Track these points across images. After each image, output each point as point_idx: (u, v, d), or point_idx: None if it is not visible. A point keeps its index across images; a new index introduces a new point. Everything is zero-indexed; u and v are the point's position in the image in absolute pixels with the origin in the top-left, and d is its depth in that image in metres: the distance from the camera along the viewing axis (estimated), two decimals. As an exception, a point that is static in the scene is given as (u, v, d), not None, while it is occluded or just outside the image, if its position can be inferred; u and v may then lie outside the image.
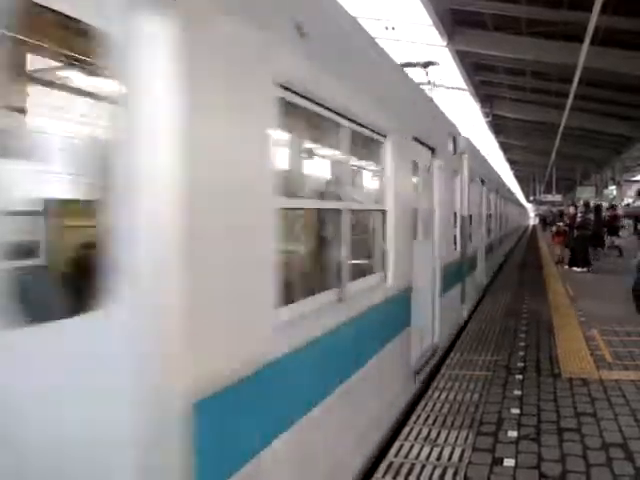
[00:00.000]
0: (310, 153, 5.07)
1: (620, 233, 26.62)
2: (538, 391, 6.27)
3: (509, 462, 4.53)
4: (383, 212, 5.18)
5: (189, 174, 2.15)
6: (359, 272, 4.67)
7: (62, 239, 2.87)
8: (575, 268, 18.28)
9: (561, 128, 25.58)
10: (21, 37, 2.12)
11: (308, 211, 4.40)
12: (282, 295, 2.94)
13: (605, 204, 29.95)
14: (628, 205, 38.03)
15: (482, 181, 13.40)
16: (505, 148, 49.60)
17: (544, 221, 54.92)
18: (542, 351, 8.01)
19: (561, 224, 22.25)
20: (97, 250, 2.07)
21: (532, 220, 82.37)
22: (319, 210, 4.46)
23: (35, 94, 2.26)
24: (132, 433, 2.06)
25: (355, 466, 4.23)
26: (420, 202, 6.91)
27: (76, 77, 2.73)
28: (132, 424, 2.06)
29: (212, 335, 2.33)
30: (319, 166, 5.17)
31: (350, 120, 4.19)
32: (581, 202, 24.43)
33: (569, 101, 20.00)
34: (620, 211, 31.64)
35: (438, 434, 5.11)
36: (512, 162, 59.74)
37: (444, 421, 5.42)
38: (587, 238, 18.94)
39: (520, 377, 6.79)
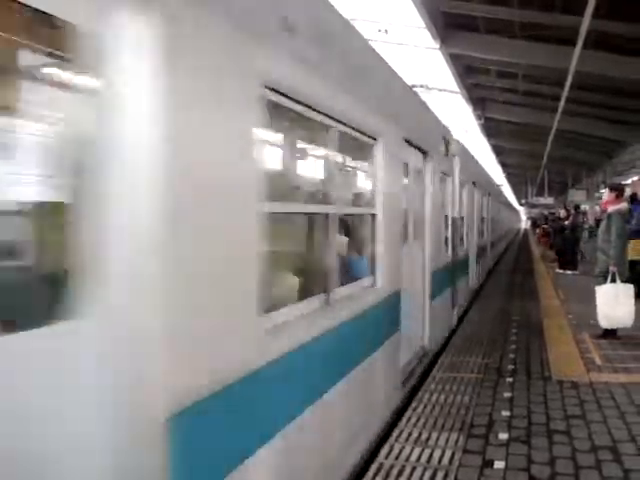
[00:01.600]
0: None
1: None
2: (528, 394, 6.29)
3: (499, 464, 4.54)
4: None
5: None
6: None
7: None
8: (565, 270, 18.40)
9: (553, 131, 25.66)
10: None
11: None
12: None
13: (597, 207, 30.07)
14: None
15: (421, 152, 7.56)
16: (497, 151, 49.69)
17: (535, 224, 55.30)
18: (532, 354, 8.03)
19: (546, 226, 22.80)
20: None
21: (524, 223, 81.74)
22: None
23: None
24: None
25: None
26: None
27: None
28: None
29: None
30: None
31: None
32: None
33: (561, 104, 20.08)
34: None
35: (429, 436, 5.12)
36: (504, 165, 59.86)
37: (434, 423, 5.43)
38: (576, 240, 19.10)
39: (510, 380, 6.82)
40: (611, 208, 8.87)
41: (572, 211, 21.38)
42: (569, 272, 18.08)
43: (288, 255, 4.28)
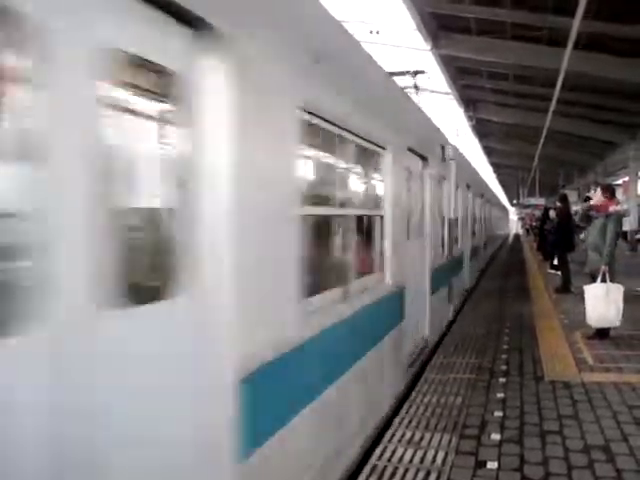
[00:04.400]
0: None
1: None
2: (521, 394, 6.29)
3: (492, 465, 4.54)
4: None
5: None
6: None
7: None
8: (556, 271, 18.37)
9: (544, 132, 25.76)
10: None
11: None
12: None
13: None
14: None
15: None
16: (489, 152, 49.86)
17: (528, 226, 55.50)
18: (525, 354, 8.05)
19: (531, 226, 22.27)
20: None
21: (516, 225, 73.06)
22: None
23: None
24: None
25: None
26: None
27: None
28: None
29: None
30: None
31: None
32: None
33: (552, 105, 20.15)
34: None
35: (421, 437, 5.12)
36: (496, 166, 60.05)
37: (427, 424, 5.43)
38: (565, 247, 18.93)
39: (503, 380, 6.82)
40: (612, 208, 8.89)
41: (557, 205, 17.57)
42: (559, 272, 17.99)
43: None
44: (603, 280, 8.51)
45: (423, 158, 8.12)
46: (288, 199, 3.39)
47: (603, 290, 8.44)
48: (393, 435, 5.17)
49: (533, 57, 19.55)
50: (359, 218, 5.34)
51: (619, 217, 9.03)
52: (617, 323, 8.47)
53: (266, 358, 3.04)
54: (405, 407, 5.92)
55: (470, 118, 32.56)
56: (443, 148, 9.96)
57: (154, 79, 2.52)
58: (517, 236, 58.85)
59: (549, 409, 5.82)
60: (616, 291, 8.43)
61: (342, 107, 4.35)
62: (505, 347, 8.46)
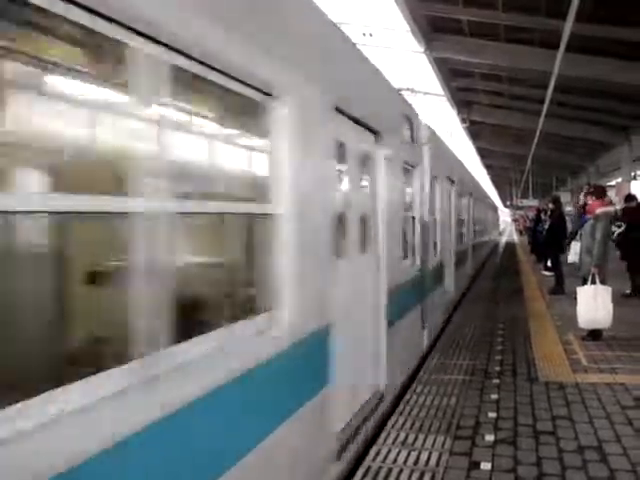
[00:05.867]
0: None
1: None
2: (515, 395, 6.31)
3: (486, 466, 4.55)
4: None
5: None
6: None
7: None
8: (549, 272, 18.39)
9: (537, 134, 25.82)
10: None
11: None
12: None
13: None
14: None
15: None
16: (482, 154, 49.95)
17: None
18: (519, 355, 8.06)
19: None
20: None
21: (510, 228, 68.32)
22: None
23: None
24: None
25: None
26: None
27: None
28: None
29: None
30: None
31: None
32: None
33: (545, 107, 20.21)
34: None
35: (415, 438, 5.12)
36: (489, 167, 60.18)
37: (421, 425, 5.44)
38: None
39: (497, 381, 6.83)
40: (600, 210, 8.87)
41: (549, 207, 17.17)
42: (551, 273, 17.95)
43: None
44: (593, 282, 8.52)
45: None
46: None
47: (592, 292, 8.45)
48: (387, 436, 5.17)
49: (526, 59, 19.60)
50: None
51: (608, 218, 8.99)
52: (607, 325, 8.48)
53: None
54: (399, 408, 5.92)
55: (464, 120, 32.62)
56: None
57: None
58: (512, 246, 40.37)
59: (543, 410, 5.83)
60: (604, 293, 8.43)
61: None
62: (499, 348, 8.47)
